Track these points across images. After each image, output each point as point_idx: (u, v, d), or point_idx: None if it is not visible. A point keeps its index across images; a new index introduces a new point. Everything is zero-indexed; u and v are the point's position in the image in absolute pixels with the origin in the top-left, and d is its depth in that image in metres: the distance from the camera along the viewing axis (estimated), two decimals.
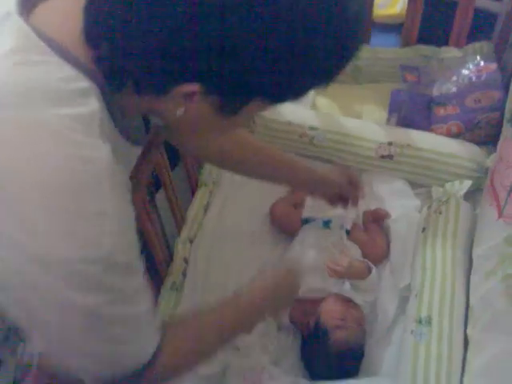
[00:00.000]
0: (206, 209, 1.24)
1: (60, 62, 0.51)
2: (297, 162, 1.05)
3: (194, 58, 0.50)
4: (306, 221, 1.14)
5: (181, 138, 0.90)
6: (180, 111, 0.55)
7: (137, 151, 0.70)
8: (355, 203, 1.08)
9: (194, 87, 0.52)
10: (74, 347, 0.54)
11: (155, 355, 0.58)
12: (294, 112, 1.31)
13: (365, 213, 1.16)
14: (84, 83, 0.52)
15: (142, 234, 1.03)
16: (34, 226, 0.48)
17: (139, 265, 0.56)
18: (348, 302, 1.00)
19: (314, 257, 1.06)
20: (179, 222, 1.17)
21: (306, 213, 1.15)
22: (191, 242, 1.17)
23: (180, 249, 1.13)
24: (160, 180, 1.06)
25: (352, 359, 0.96)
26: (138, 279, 0.56)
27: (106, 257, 0.50)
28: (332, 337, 0.95)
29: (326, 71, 0.56)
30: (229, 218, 1.22)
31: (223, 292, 1.08)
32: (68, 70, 0.51)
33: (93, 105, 0.52)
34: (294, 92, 0.57)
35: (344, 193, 1.07)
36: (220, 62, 0.50)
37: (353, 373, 0.95)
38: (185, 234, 1.16)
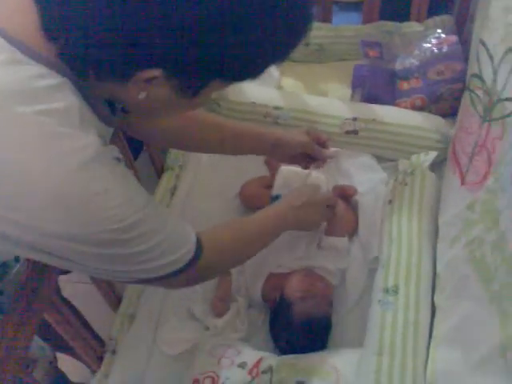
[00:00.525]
0: (173, 192, 1.23)
1: (26, 61, 0.51)
2: (255, 129, 1.04)
3: (153, 43, 0.50)
4: (276, 198, 1.13)
5: (140, 125, 0.90)
6: (142, 95, 0.57)
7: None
8: (321, 163, 1.06)
9: (155, 72, 0.53)
10: (121, 271, 0.62)
11: (197, 251, 0.67)
12: (259, 92, 1.30)
13: (333, 188, 1.16)
14: (55, 79, 0.53)
15: None
16: (42, 217, 0.52)
17: (151, 206, 0.61)
18: (314, 275, 1.00)
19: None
20: None
21: (275, 190, 1.14)
22: None
23: None
24: None
25: (317, 331, 0.96)
26: (156, 215, 0.62)
27: (120, 224, 0.55)
28: (295, 309, 0.95)
29: (280, 49, 0.58)
30: (197, 201, 1.21)
31: None
32: (37, 68, 0.52)
33: (67, 98, 0.54)
34: (251, 71, 0.59)
35: (310, 153, 1.05)
36: (180, 46, 0.51)
37: (320, 346, 0.95)
38: None
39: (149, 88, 0.55)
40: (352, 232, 1.13)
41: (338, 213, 1.07)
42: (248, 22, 0.52)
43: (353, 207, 1.16)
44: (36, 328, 0.72)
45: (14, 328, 0.68)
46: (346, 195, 1.16)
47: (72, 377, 1.02)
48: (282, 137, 1.02)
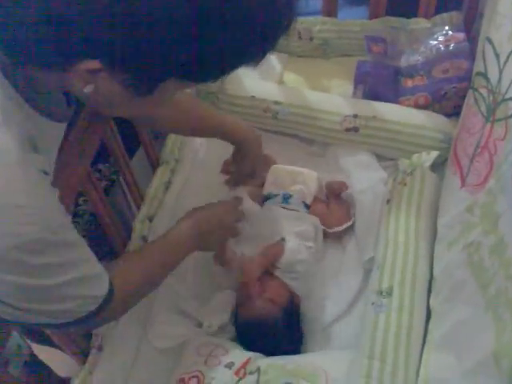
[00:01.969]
0: (168, 186, 1.21)
1: None
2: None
3: (90, 33, 0.47)
4: (268, 197, 1.11)
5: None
6: (88, 88, 0.53)
7: (63, 127, 0.68)
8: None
9: (94, 64, 0.50)
10: (23, 308, 0.56)
11: (110, 291, 0.64)
12: (259, 87, 1.28)
13: (325, 185, 1.14)
14: None
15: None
16: None
17: (70, 235, 0.58)
18: (268, 279, 0.98)
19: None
20: (138, 201, 1.14)
21: (266, 189, 1.12)
22: (150, 220, 1.14)
23: (138, 227, 1.10)
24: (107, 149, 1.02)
25: (271, 336, 0.94)
26: (73, 246, 0.58)
27: (29, 244, 0.51)
28: (241, 313, 0.95)
29: (242, 51, 0.53)
30: (191, 196, 1.18)
31: (184, 269, 1.06)
32: None
33: None
34: (209, 73, 0.55)
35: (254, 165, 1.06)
36: (119, 39, 0.48)
37: (289, 350, 0.93)
38: (143, 211, 1.13)
39: (95, 81, 0.52)
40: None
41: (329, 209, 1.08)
42: (197, 20, 0.47)
43: (347, 204, 1.13)
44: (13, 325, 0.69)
45: None
46: (334, 191, 1.13)
47: (58, 371, 1.01)
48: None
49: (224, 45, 0.51)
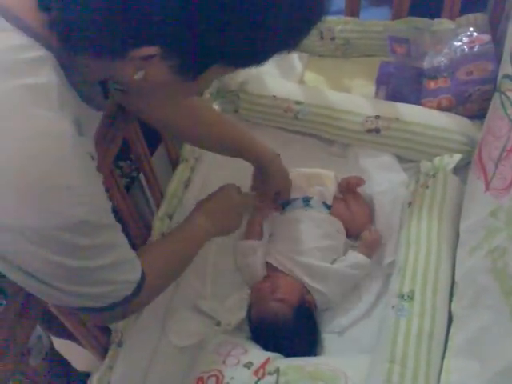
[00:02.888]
0: (187, 184, 1.21)
1: (10, 29, 0.49)
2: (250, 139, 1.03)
3: (153, 19, 0.48)
4: (287, 203, 1.11)
5: (138, 104, 0.88)
6: (139, 75, 0.54)
7: (100, 116, 0.68)
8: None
9: (153, 50, 0.51)
10: (66, 291, 0.57)
11: (142, 277, 0.65)
12: (280, 86, 1.28)
13: (341, 181, 1.13)
14: (38, 52, 0.50)
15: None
16: (3, 201, 0.49)
17: (111, 219, 0.59)
18: (281, 277, 0.98)
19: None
20: (158, 198, 1.14)
21: None
22: (170, 217, 1.14)
23: (158, 225, 1.10)
24: (129, 147, 1.03)
25: (284, 336, 0.93)
26: (113, 230, 0.60)
27: (78, 225, 0.52)
28: (253, 313, 0.96)
29: (287, 37, 0.55)
30: None
31: (202, 268, 1.06)
32: (20, 38, 0.49)
33: (49, 75, 0.51)
34: (254, 57, 0.56)
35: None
36: (180, 25, 0.49)
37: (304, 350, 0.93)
38: (163, 209, 1.13)
39: (146, 67, 0.53)
40: (365, 228, 1.09)
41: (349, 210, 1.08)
42: (252, 4, 0.49)
43: (366, 203, 1.12)
44: (38, 317, 0.70)
45: (15, 315, 0.66)
46: (351, 186, 1.12)
47: (77, 365, 1.01)
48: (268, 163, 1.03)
49: (275, 30, 0.52)
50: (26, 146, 0.48)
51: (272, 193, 1.08)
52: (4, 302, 0.71)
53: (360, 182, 1.11)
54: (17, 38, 0.49)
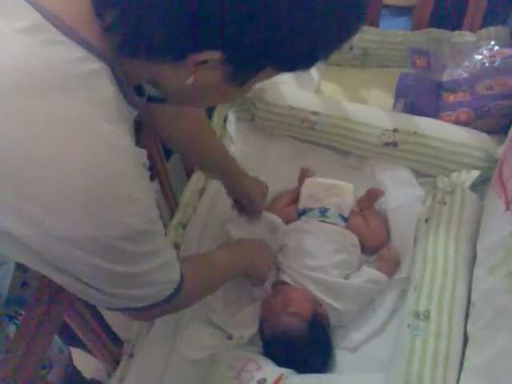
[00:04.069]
0: (201, 194, 1.20)
1: (67, 42, 0.49)
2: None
3: (223, 23, 0.48)
4: (304, 212, 1.10)
5: (165, 120, 0.89)
6: (190, 80, 0.54)
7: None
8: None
9: (214, 55, 0.50)
10: (114, 294, 0.58)
11: (181, 276, 0.66)
12: (297, 96, 1.27)
13: (360, 198, 1.12)
14: (94, 64, 0.50)
15: None
16: (63, 213, 0.49)
17: (161, 225, 0.61)
18: (292, 291, 0.97)
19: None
20: (172, 207, 1.14)
21: (301, 204, 1.11)
22: (184, 227, 1.13)
23: (172, 234, 1.09)
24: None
25: (296, 351, 0.92)
26: (162, 236, 0.61)
27: (134, 234, 0.53)
28: (264, 327, 0.95)
29: (331, 43, 0.56)
30: (224, 205, 1.17)
31: None
32: (75, 51, 0.49)
33: (107, 86, 0.51)
34: (303, 62, 0.57)
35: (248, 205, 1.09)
36: (244, 30, 0.48)
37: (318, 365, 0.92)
38: (177, 218, 1.12)
39: (198, 72, 0.53)
40: (382, 246, 1.08)
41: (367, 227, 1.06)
42: (308, 11, 0.50)
43: (382, 217, 1.11)
44: (57, 328, 0.69)
45: (34, 326, 0.66)
46: (371, 199, 1.12)
47: (86, 373, 1.01)
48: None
49: (321, 34, 0.53)
50: (89, 160, 0.49)
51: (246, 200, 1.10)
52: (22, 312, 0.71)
53: (379, 193, 1.10)
54: (73, 51, 0.49)
